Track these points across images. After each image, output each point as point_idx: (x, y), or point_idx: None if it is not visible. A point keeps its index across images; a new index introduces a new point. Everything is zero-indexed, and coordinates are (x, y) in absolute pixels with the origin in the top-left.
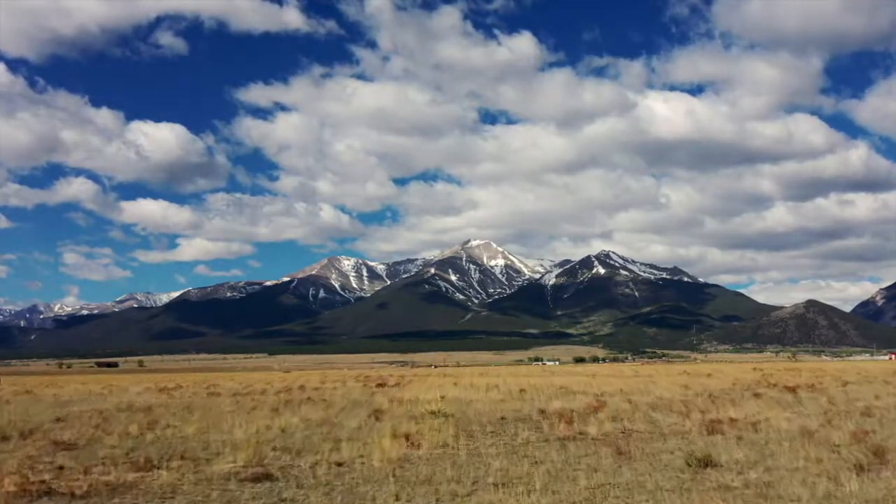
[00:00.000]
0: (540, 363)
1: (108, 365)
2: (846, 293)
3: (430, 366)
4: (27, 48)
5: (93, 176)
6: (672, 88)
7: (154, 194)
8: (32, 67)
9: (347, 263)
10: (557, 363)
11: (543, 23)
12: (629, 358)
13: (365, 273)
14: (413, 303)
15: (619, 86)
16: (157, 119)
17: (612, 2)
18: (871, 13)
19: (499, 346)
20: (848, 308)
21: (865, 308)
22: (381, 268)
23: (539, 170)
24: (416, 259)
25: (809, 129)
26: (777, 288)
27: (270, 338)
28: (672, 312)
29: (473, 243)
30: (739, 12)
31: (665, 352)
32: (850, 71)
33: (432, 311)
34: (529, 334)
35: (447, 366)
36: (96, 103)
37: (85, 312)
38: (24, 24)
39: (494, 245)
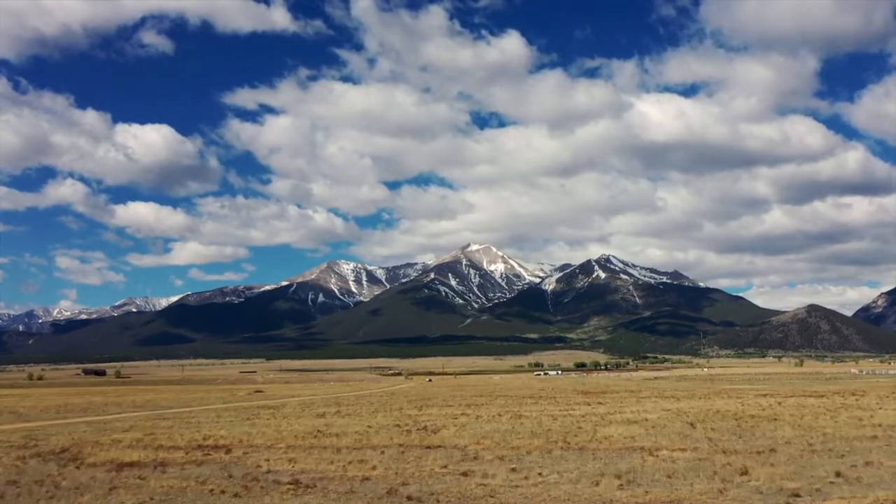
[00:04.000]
0: (540, 372)
1: (96, 373)
2: (844, 297)
3: (427, 377)
4: (8, 49)
5: (82, 179)
6: (666, 90)
7: (145, 197)
8: (14, 68)
9: (347, 268)
10: (559, 373)
11: (533, 22)
12: (629, 363)
13: (364, 278)
14: (412, 307)
15: (612, 87)
16: (144, 121)
17: (601, 1)
18: (865, 13)
19: (498, 351)
20: (848, 312)
21: (867, 313)
22: (380, 272)
23: (533, 172)
24: (416, 263)
25: (805, 132)
26: (775, 292)
27: (268, 342)
28: (672, 317)
29: (474, 247)
30: (730, 13)
31: (666, 357)
32: (844, 72)
33: (431, 316)
34: (529, 339)
35: (445, 373)
36: (81, 105)
37: (83, 317)
38: (4, 24)
39: (495, 249)
